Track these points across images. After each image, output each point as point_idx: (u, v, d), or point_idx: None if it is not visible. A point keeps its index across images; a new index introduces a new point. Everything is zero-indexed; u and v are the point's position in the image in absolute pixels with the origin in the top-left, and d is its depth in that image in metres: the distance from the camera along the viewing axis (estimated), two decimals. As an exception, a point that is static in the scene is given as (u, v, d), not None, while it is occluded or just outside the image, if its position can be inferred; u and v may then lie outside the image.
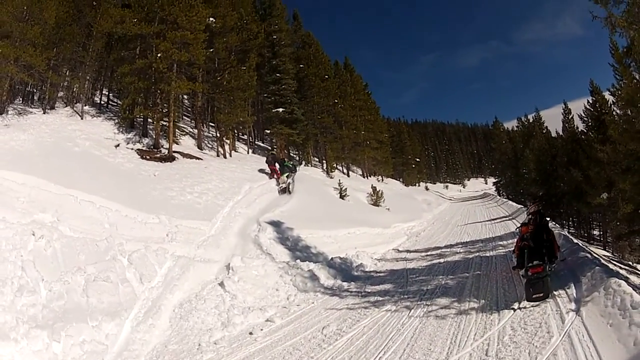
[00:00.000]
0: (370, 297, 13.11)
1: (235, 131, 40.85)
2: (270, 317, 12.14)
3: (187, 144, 33.15)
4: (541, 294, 10.11)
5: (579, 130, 41.95)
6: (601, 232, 39.86)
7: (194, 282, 13.93)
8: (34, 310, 9.64)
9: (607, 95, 33.07)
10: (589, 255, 13.21)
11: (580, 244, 17.07)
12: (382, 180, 68.17)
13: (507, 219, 33.12)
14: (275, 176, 29.59)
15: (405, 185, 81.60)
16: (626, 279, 10.96)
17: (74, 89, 30.10)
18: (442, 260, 18.23)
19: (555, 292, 10.37)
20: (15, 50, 23.04)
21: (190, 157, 29.34)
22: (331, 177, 39.69)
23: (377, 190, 38.29)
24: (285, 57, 45.60)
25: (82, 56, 30.36)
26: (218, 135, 35.66)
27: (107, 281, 11.62)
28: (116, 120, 29.74)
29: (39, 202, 14.24)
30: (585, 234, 40.92)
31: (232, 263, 15.07)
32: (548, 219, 14.00)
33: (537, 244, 11.24)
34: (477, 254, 18.50)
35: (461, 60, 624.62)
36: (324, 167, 47.78)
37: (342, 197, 33.80)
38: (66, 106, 29.18)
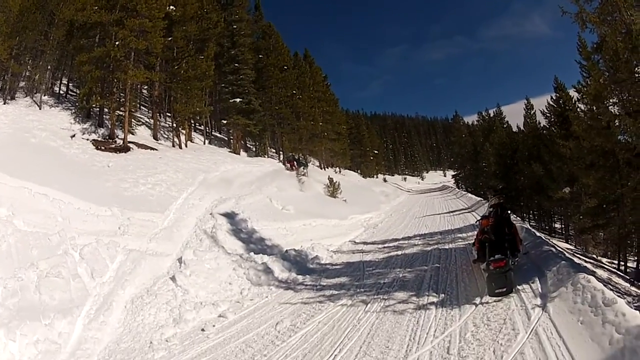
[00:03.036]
0: (326, 291, 12.72)
1: (192, 121, 40.52)
2: (222, 313, 11.83)
3: (142, 134, 33.34)
4: (504, 289, 9.69)
5: (541, 125, 42.26)
6: (563, 226, 40.05)
7: (145, 277, 13.57)
8: (-10, 309, 9.36)
9: (571, 92, 33.27)
10: (552, 249, 12.83)
11: (544, 238, 16.76)
12: (340, 171, 67.91)
13: (466, 211, 32.97)
14: (293, 168, 40.61)
15: (363, 177, 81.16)
16: (593, 273, 10.76)
17: (35, 79, 29.55)
18: (399, 252, 17.84)
19: (519, 287, 9.98)
20: (-24, 38, 22.27)
21: (146, 147, 29.18)
22: (290, 169, 39.39)
23: (334, 181, 37.91)
24: (244, 47, 45.10)
25: (43, 45, 30.16)
26: (174, 125, 35.29)
27: (58, 277, 11.24)
28: (73, 110, 29.51)
29: (-5, 195, 13.74)
30: (547, 227, 41.02)
31: (184, 256, 14.98)
32: (509, 212, 13.64)
33: (499, 237, 10.85)
34: (436, 246, 18.11)
35: (426, 55, 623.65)
36: (280, 159, 47.33)
37: (300, 188, 33.45)
38: (26, 96, 29.16)
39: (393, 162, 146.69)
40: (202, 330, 10.79)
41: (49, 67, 31.04)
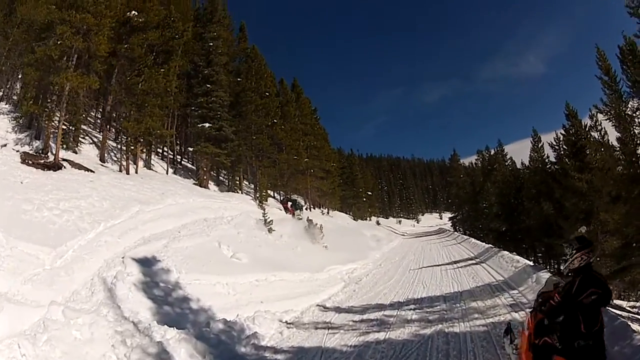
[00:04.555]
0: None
1: (153, 146, 37.58)
2: None
3: (89, 154, 30.10)
4: None
5: (548, 159, 38.46)
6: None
7: (-6, 332, 9.41)
8: None
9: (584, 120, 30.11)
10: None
11: (621, 316, 10.32)
12: (328, 213, 64.56)
13: (473, 262, 27.04)
14: (288, 212, 41.60)
15: (354, 219, 77.49)
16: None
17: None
18: (382, 335, 11.34)
19: None
20: None
21: (81, 167, 25.81)
22: (262, 208, 32.59)
23: (314, 223, 33.06)
24: (219, 67, 41.10)
25: (2, 46, 29.31)
26: (122, 147, 31.28)
27: None
28: (18, 119, 27.18)
29: None
30: (552, 270, 36.35)
31: (48, 314, 10.39)
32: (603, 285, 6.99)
33: (569, 343, 5.55)
34: (439, 326, 11.63)
35: (421, 97, 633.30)
36: (257, 195, 41.83)
37: (267, 230, 27.43)
38: (-13, 103, 28.01)
39: (388, 205, 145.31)
40: None
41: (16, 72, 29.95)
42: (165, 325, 11.24)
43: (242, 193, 42.54)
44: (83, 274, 13.99)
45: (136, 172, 30.95)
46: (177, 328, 11.18)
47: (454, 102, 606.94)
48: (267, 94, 49.89)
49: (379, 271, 27.01)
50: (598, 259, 23.98)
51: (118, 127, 35.09)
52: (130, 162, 30.86)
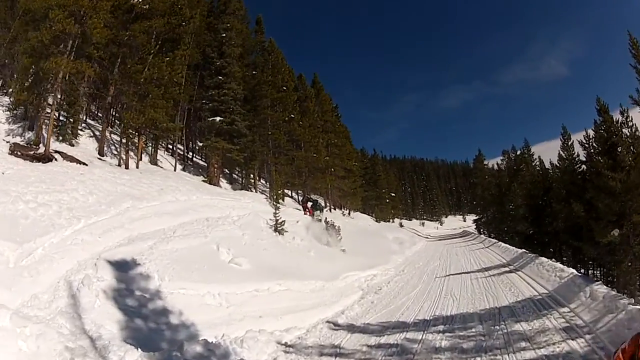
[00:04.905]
0: None
1: (170, 142, 38.32)
2: None
3: (87, 147, 29.06)
4: None
5: (578, 159, 36.50)
6: (594, 271, 34.24)
7: None
8: None
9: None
10: None
11: None
12: (349, 214, 62.34)
13: (506, 269, 24.40)
14: (308, 212, 37.67)
15: (377, 221, 75.23)
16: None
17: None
18: None
19: None
20: None
21: (73, 160, 24.29)
22: (277, 208, 29.44)
23: (331, 224, 30.54)
24: (232, 59, 38.97)
25: (4, 37, 29.33)
26: (122, 140, 29.43)
27: None
28: (12, 109, 26.80)
29: None
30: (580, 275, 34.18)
31: None
32: None
33: None
34: (477, 359, 9.13)
35: (443, 101, 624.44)
36: (273, 194, 38.85)
37: (277, 231, 24.64)
38: (-9, 94, 27.13)
39: (411, 206, 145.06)
40: None
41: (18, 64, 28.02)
42: (129, 345, 9.28)
43: (256, 192, 40.85)
44: (49, 275, 12.33)
45: (137, 167, 29.29)
46: (144, 349, 9.10)
47: (476, 106, 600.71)
48: (285, 88, 47.70)
49: (401, 278, 24.34)
50: (629, 264, 23.90)
51: (121, 119, 32.95)
52: (131, 155, 29.16)
